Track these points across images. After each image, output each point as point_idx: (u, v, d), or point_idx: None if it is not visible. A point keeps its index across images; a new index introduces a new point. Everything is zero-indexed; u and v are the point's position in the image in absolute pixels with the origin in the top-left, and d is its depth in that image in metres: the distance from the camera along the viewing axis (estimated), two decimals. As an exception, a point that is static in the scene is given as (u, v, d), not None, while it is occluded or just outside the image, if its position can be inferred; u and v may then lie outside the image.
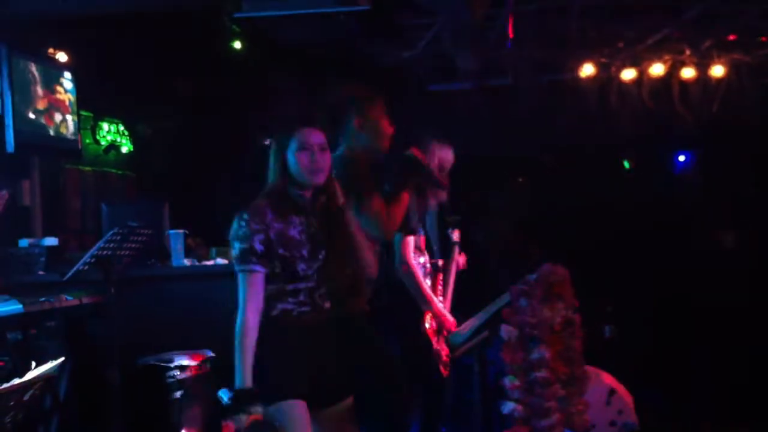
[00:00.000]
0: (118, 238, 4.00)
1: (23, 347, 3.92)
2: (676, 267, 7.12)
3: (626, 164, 8.29)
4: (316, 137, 2.91)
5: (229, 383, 2.82)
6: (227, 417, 2.74)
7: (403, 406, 3.43)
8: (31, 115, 5.75)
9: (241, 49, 6.48)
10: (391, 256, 3.97)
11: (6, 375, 3.45)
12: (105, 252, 3.97)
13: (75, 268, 3.98)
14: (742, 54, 6.87)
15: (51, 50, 6.19)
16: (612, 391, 4.51)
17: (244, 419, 2.69)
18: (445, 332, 4.13)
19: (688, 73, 7.01)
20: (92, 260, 3.97)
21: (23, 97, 5.65)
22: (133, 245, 4.14)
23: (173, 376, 4.26)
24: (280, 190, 2.91)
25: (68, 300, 4.17)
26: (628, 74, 7.06)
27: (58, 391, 4.11)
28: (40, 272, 4.71)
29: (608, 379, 4.60)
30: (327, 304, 2.98)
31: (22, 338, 3.98)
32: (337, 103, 3.65)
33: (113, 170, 7.34)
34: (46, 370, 3.42)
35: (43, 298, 4.03)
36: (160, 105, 7.26)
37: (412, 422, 3.71)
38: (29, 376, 3.30)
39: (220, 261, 4.95)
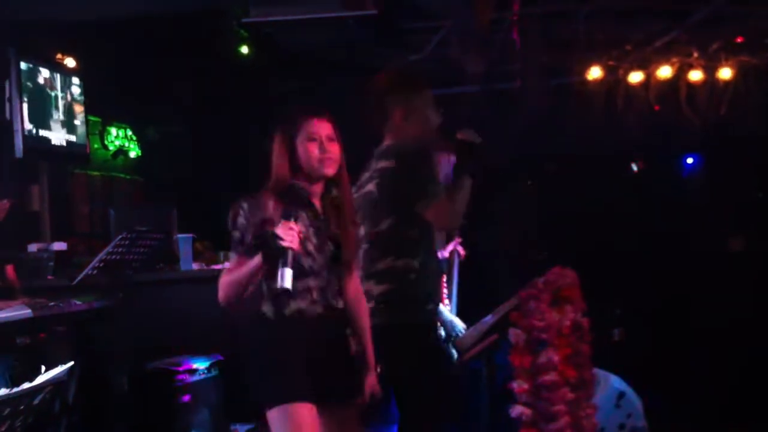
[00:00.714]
0: (127, 242, 4.02)
1: (33, 351, 3.91)
2: (684, 270, 7.10)
3: (634, 167, 8.27)
4: (324, 127, 2.82)
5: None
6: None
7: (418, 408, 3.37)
8: (40, 120, 5.77)
9: (248, 53, 6.49)
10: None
11: (16, 379, 3.46)
12: (113, 256, 3.99)
13: (84, 273, 4.00)
14: (749, 56, 6.85)
15: (59, 55, 6.20)
16: (621, 394, 4.49)
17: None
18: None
19: (695, 75, 6.98)
20: (101, 265, 3.99)
21: (31, 102, 5.68)
22: (142, 249, 4.15)
23: (182, 380, 4.27)
24: (284, 182, 2.82)
25: (77, 304, 4.15)
26: (636, 77, 7.04)
27: (67, 395, 4.11)
28: (49, 277, 4.73)
29: (617, 382, 4.58)
30: (341, 303, 2.89)
31: (31, 342, 3.98)
32: (377, 94, 3.39)
33: (121, 175, 7.36)
34: (56, 375, 3.42)
35: (52, 303, 4.02)
36: (168, 110, 7.28)
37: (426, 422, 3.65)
38: (39, 380, 3.30)
39: (228, 265, 4.94)
